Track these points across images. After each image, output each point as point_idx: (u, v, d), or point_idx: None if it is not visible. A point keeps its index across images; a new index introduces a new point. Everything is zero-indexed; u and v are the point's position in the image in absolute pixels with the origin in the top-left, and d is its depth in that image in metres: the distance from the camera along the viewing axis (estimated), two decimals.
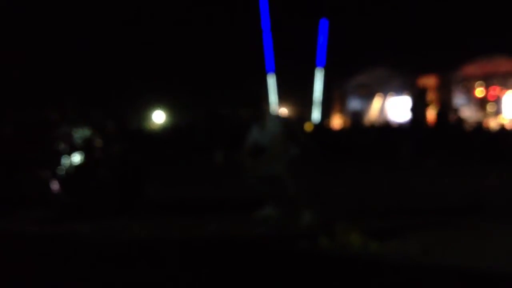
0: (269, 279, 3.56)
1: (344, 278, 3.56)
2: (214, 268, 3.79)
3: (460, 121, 15.81)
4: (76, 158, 5.80)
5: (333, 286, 3.45)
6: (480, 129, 16.02)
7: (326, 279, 3.55)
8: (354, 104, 27.82)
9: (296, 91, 28.60)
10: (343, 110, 28.08)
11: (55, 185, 5.65)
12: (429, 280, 3.49)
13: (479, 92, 23.86)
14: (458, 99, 24.53)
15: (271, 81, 29.37)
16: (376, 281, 3.50)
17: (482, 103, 23.98)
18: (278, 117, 6.32)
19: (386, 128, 18.87)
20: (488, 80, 23.76)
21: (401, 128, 18.31)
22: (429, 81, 25.77)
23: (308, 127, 21.87)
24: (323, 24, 28.89)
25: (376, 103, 27.17)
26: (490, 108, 23.73)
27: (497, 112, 23.45)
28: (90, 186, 5.74)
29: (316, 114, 28.73)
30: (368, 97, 27.44)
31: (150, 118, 28.61)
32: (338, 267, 3.84)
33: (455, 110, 17.37)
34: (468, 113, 22.28)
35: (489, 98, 23.80)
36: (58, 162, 5.75)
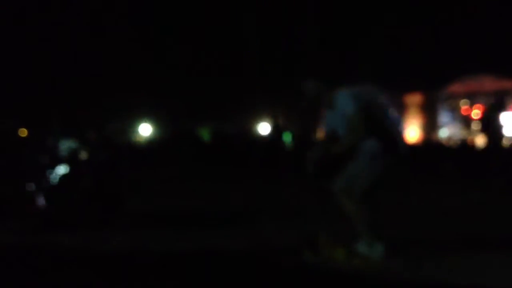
0: None
1: None
2: (195, 283, 3.75)
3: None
4: (61, 170, 5.76)
5: None
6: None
7: None
8: None
9: (278, 105, 28.70)
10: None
11: (39, 198, 5.60)
12: None
13: (465, 110, 24.10)
14: (443, 117, 24.74)
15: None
16: None
17: (466, 121, 24.20)
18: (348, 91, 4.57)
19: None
20: (473, 98, 24.00)
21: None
22: (415, 98, 26.00)
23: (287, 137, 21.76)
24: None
25: None
26: (474, 126, 23.94)
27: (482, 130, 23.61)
28: (73, 198, 5.70)
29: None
30: None
31: (136, 131, 28.53)
32: (321, 282, 3.82)
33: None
34: (453, 130, 22.45)
35: (474, 117, 24.00)
36: (43, 175, 5.70)
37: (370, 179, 4.40)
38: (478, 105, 23.72)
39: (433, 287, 3.67)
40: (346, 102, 4.44)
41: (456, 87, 24.68)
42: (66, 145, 5.92)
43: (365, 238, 4.39)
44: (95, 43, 27.24)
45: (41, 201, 5.60)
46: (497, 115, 12.13)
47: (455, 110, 24.63)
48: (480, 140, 20.82)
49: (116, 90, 27.36)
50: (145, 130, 28.21)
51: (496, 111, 12.36)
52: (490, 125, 12.00)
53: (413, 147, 18.51)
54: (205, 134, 24.28)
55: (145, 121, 29.32)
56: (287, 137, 18.81)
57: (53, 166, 5.76)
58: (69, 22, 26.45)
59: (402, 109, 26.44)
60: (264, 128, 29.25)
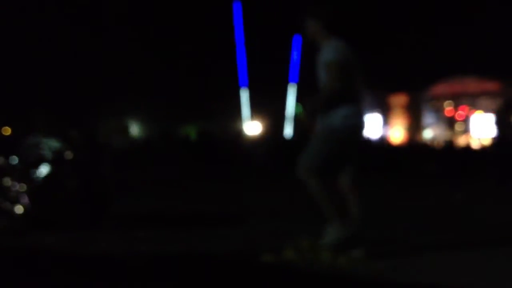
0: None
1: None
2: (184, 284, 3.75)
3: None
4: (45, 169, 5.73)
5: None
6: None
7: None
8: None
9: (268, 106, 28.74)
10: (314, 126, 28.25)
11: (23, 198, 5.56)
12: None
13: (449, 111, 24.30)
14: (427, 118, 24.92)
15: (244, 96, 29.48)
16: None
17: (450, 122, 24.38)
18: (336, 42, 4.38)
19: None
20: (457, 100, 24.19)
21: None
22: (399, 99, 26.17)
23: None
24: (297, 40, 29.12)
25: None
26: (458, 127, 24.14)
27: (465, 131, 23.83)
28: (58, 198, 5.66)
29: (288, 130, 28.85)
30: None
31: (123, 130, 28.40)
32: (302, 282, 3.83)
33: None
34: (437, 131, 22.62)
35: (458, 118, 24.20)
36: (27, 174, 5.66)
37: (332, 155, 4.32)
38: (462, 106, 23.94)
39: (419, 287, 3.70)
40: (330, 51, 4.37)
41: (440, 88, 24.86)
42: (50, 144, 5.88)
43: (332, 223, 4.29)
44: (83, 42, 27.12)
45: (25, 201, 5.57)
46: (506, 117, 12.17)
47: (439, 111, 24.80)
48: (463, 141, 21.01)
49: (103, 89, 27.24)
50: (133, 129, 28.08)
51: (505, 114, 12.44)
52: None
53: (398, 148, 18.61)
54: (191, 132, 24.26)
55: (132, 121, 29.21)
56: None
57: (37, 166, 5.72)
58: (57, 20, 26.27)
59: (386, 109, 26.61)
60: (250, 127, 29.22)
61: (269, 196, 9.10)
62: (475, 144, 20.67)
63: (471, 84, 23.97)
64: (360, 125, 4.42)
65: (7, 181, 5.59)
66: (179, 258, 4.43)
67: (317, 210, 4.74)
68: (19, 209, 5.51)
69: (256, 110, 29.30)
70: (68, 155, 5.82)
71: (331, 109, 4.40)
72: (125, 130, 25.44)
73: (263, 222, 6.01)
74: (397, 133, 25.55)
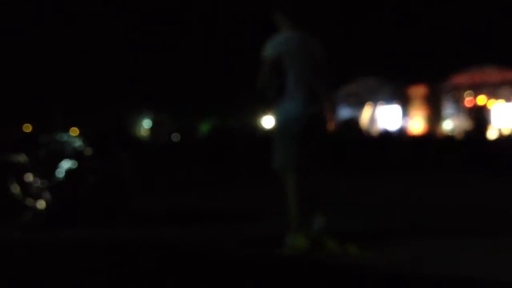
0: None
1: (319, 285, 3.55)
2: (197, 279, 3.76)
3: None
4: (66, 165, 5.77)
5: None
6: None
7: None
8: (344, 113, 27.92)
9: None
10: (332, 119, 28.12)
11: (45, 193, 5.62)
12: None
13: (469, 101, 23.99)
14: (447, 109, 24.68)
15: None
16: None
17: (471, 112, 24.11)
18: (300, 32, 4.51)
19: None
20: (477, 90, 23.91)
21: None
22: (418, 90, 25.94)
23: None
24: None
25: (366, 112, 27.29)
26: (478, 117, 23.84)
27: (486, 121, 23.55)
28: (79, 194, 5.71)
29: None
30: (358, 106, 27.53)
31: (140, 125, 28.51)
32: (320, 273, 3.83)
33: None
34: (457, 122, 22.41)
35: (478, 108, 23.92)
36: (48, 170, 5.72)
37: (295, 148, 4.26)
38: (482, 96, 23.65)
39: (439, 280, 3.68)
40: (267, 46, 4.39)
41: (460, 79, 24.57)
42: (70, 141, 5.93)
43: (294, 226, 4.30)
44: (96, 37, 27.22)
45: (47, 196, 5.62)
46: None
47: (459, 101, 24.54)
48: (483, 131, 20.78)
49: (118, 86, 27.34)
50: (147, 125, 28.14)
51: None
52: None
53: (418, 139, 18.48)
54: (204, 127, 24.22)
55: (148, 117, 29.30)
56: None
57: (58, 162, 5.77)
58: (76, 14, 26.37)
59: (405, 101, 26.39)
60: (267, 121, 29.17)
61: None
62: (496, 134, 20.45)
63: (491, 74, 23.66)
64: (308, 116, 4.35)
65: (29, 177, 5.65)
66: (194, 254, 4.44)
67: (330, 203, 4.72)
68: (41, 204, 5.57)
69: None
70: (88, 151, 5.86)
71: (278, 103, 4.48)
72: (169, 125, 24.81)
73: (279, 216, 6.03)
74: (417, 125, 25.32)
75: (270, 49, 4.44)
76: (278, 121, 4.44)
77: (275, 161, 4.44)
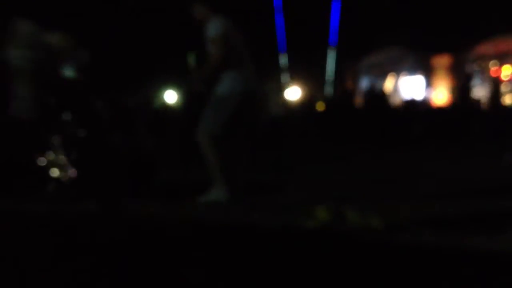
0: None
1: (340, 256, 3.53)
2: (224, 255, 3.75)
3: None
4: (93, 137, 5.79)
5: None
6: None
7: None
8: (366, 83, 27.65)
9: (308, 70, 28.44)
10: (355, 90, 27.88)
11: (71, 165, 5.65)
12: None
13: (495, 71, 23.54)
14: (472, 79, 24.27)
15: (283, 61, 29.22)
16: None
17: (496, 82, 23.68)
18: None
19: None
20: (502, 59, 23.45)
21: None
22: (442, 60, 25.55)
23: (320, 106, 21.78)
24: (336, 3, 28.62)
25: (389, 82, 26.99)
26: (504, 87, 23.43)
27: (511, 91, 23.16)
28: (105, 166, 5.73)
29: (329, 92, 28.59)
30: (381, 76, 27.23)
31: (161, 98, 28.43)
32: (346, 245, 3.81)
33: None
34: (482, 92, 22.08)
35: (503, 78, 23.48)
36: (75, 142, 5.73)
37: (225, 120, 4.79)
38: (507, 65, 23.21)
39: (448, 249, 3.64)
40: (213, 27, 4.81)
41: (484, 48, 24.12)
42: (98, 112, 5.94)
43: (217, 185, 4.90)
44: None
45: (73, 169, 5.65)
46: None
47: (484, 71, 24.12)
48: (509, 101, 20.47)
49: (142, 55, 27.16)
50: (170, 96, 27.92)
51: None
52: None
53: (442, 110, 18.28)
54: None
55: (170, 87, 29.11)
56: None
57: (85, 134, 5.79)
58: None
59: (429, 71, 26.05)
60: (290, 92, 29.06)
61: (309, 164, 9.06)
62: None
63: None
64: (248, 90, 4.89)
65: (55, 149, 5.67)
66: (222, 230, 4.42)
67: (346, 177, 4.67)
68: (66, 176, 5.61)
69: (296, 75, 28.99)
70: (114, 124, 5.88)
71: (219, 77, 4.94)
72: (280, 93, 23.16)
73: (300, 189, 6.01)
74: (441, 95, 25.01)
75: (216, 28, 4.83)
76: (217, 95, 4.92)
77: (202, 127, 4.98)
